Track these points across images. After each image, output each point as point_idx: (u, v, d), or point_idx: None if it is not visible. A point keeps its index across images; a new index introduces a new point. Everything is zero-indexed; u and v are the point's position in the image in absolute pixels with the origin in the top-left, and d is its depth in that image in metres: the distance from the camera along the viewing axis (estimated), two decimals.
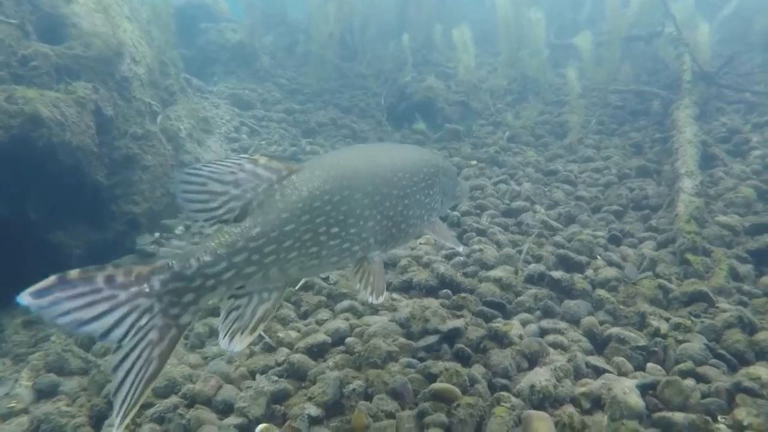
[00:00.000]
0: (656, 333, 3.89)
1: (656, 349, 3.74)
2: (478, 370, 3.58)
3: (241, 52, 10.93)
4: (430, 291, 4.77)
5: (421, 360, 3.71)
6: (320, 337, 3.93)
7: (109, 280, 2.15)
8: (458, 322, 4.12)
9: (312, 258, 2.76)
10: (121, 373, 2.16)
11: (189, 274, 2.35)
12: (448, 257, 5.25)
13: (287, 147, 8.51)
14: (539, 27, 10.40)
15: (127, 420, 2.14)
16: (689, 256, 4.83)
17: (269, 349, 3.98)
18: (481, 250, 5.19)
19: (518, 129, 8.81)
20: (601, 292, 4.53)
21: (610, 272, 4.78)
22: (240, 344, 2.52)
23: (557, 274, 4.72)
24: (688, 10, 10.41)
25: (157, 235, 5.89)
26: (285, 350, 3.88)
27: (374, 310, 4.46)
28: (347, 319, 4.33)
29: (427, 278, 4.79)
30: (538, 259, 5.10)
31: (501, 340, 3.91)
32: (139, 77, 6.41)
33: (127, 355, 2.18)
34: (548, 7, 12.14)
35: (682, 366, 3.53)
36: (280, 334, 4.05)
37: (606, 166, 7.24)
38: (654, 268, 4.91)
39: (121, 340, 2.17)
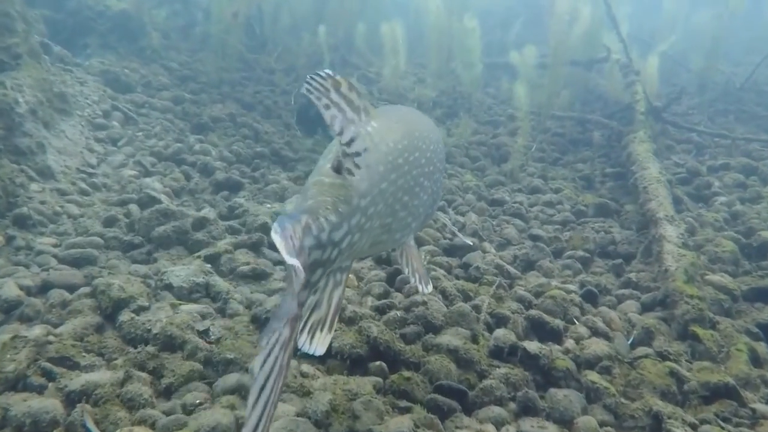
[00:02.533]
0: None
1: None
2: None
3: (125, 25, 8.96)
4: (357, 363, 3.32)
5: None
6: None
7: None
8: (404, 423, 2.72)
9: (383, 231, 2.39)
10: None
11: (324, 240, 1.88)
12: (380, 310, 3.81)
13: (170, 142, 6.73)
14: (474, 37, 9.33)
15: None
16: (697, 330, 3.69)
17: None
18: (424, 303, 3.80)
19: (451, 147, 7.58)
20: (592, 377, 3.29)
21: (599, 346, 3.55)
22: (322, 345, 2.15)
23: (532, 346, 3.41)
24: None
25: None
26: None
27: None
28: (232, 408, 2.80)
29: (354, 343, 3.33)
30: (502, 321, 3.78)
31: None
32: None
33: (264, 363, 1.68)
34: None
35: None
36: None
37: (558, 200, 6.13)
38: (651, 342, 3.74)
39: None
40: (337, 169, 2.12)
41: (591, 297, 4.29)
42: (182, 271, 4.00)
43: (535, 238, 5.23)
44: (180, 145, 6.63)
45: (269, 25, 10.53)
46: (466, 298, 4.10)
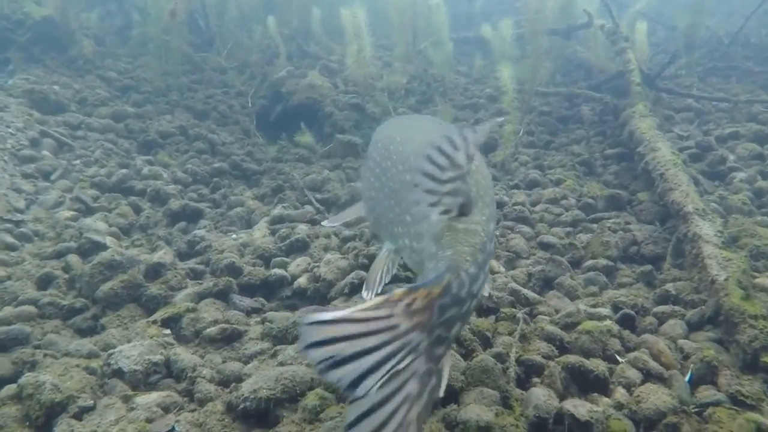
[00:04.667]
0: None
1: None
2: None
3: (50, 33, 7.93)
4: None
5: None
6: None
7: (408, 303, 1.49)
8: None
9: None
10: None
11: (463, 294, 1.72)
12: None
13: (113, 168, 5.83)
14: (440, 14, 8.53)
15: None
16: None
17: None
18: None
19: None
20: None
21: (658, 396, 2.88)
22: None
23: (582, 410, 2.72)
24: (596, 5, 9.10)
25: None
26: None
27: None
28: None
29: None
30: (534, 371, 3.09)
31: None
32: None
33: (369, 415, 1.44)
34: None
35: None
36: None
37: (562, 194, 5.44)
38: (715, 379, 3.09)
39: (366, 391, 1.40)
40: (464, 212, 1.92)
41: (628, 322, 3.62)
42: (134, 349, 3.20)
43: (546, 246, 4.53)
44: (125, 171, 5.75)
45: (215, 20, 9.55)
46: (484, 341, 3.39)
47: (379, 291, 2.61)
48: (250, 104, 7.71)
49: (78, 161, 5.90)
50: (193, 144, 6.63)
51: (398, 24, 9.07)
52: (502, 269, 4.29)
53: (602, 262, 4.28)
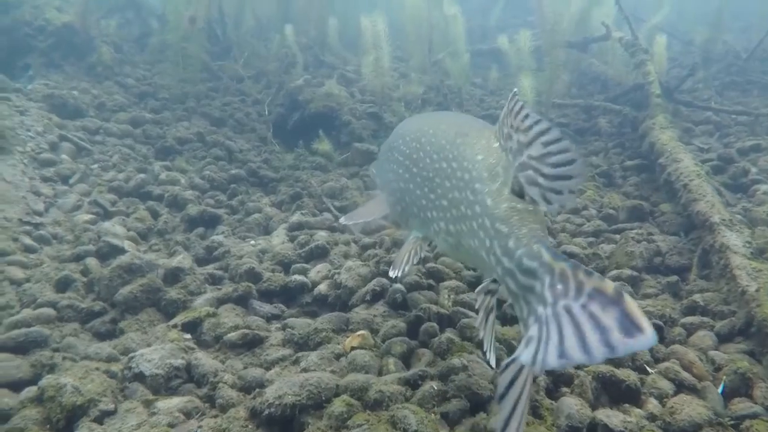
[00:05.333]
0: None
1: None
2: None
3: (70, 40, 7.98)
4: None
5: None
6: None
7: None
8: None
9: None
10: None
11: None
12: (411, 383, 3.03)
13: (131, 173, 5.83)
14: (457, 25, 8.53)
15: None
16: None
17: None
18: (464, 368, 3.04)
19: None
20: None
21: (693, 407, 2.80)
22: None
23: (615, 420, 2.66)
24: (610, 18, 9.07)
25: None
26: None
27: None
28: None
29: None
30: (564, 381, 3.02)
31: None
32: None
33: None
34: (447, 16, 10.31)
35: None
36: None
37: (582, 204, 5.38)
38: (750, 392, 3.01)
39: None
40: (521, 194, 2.03)
41: (657, 332, 3.54)
42: (155, 352, 3.16)
43: (569, 256, 4.46)
44: (143, 176, 5.73)
45: (232, 29, 9.60)
46: (511, 349, 3.33)
47: (406, 270, 2.80)
48: (266, 112, 7.71)
49: (96, 165, 5.90)
50: (211, 150, 6.62)
51: (414, 35, 9.08)
52: None
53: (627, 272, 4.21)
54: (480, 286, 2.55)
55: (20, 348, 3.39)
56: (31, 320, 3.62)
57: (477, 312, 2.60)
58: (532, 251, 1.88)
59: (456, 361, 3.09)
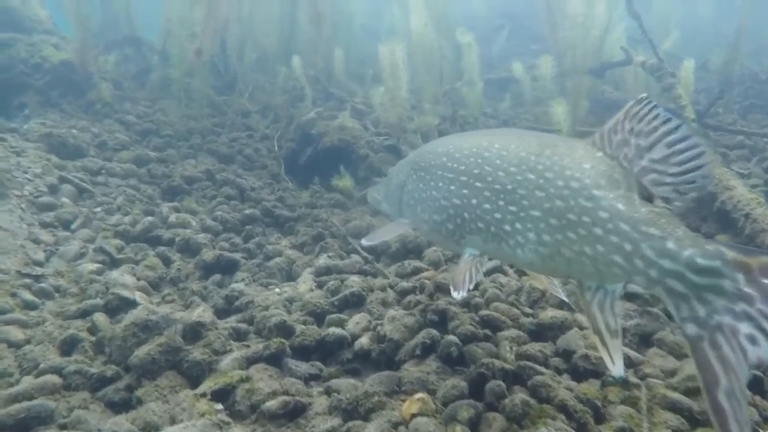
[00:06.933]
0: None
1: None
2: None
3: (68, 77, 7.59)
4: None
5: None
6: None
7: None
8: None
9: None
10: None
11: None
12: None
13: (138, 216, 5.37)
14: (471, 53, 8.24)
15: None
16: None
17: None
18: None
19: None
20: None
21: None
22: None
23: None
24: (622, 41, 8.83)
25: None
26: None
27: None
28: None
29: None
30: None
31: None
32: None
33: None
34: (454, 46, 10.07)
35: None
36: None
37: None
38: None
39: None
40: (650, 198, 2.16)
41: (756, 385, 3.10)
42: (185, 431, 2.67)
43: (632, 297, 4.03)
44: (151, 219, 5.27)
45: (235, 62, 9.26)
46: (596, 412, 2.87)
47: (471, 288, 2.70)
48: (276, 148, 7.31)
49: (99, 209, 5.45)
50: (221, 189, 6.18)
51: (424, 65, 8.78)
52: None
53: None
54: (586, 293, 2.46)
55: (21, 426, 2.89)
56: (33, 391, 3.12)
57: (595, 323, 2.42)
58: (707, 251, 1.97)
59: (543, 431, 2.62)
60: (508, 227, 2.59)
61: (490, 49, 13.02)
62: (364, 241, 3.55)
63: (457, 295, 2.65)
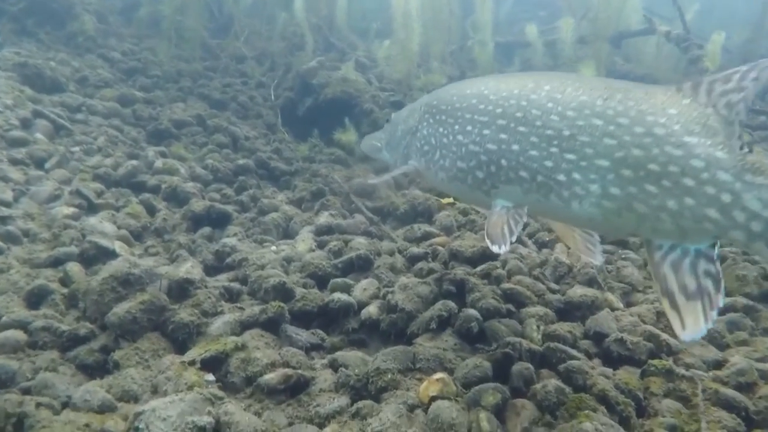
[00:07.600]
0: None
1: None
2: None
3: (46, 5, 6.96)
4: None
5: None
6: None
7: None
8: None
9: None
10: None
11: None
12: None
13: (120, 159, 4.88)
14: (486, 10, 7.75)
15: None
16: None
17: None
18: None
19: None
20: None
21: None
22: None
23: None
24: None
25: None
26: None
27: None
28: None
29: None
30: None
31: None
32: None
33: None
34: (461, 3, 9.54)
35: None
36: None
37: None
38: None
39: None
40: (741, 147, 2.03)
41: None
42: (172, 407, 2.26)
43: None
44: (135, 163, 4.79)
45: (231, 4, 8.63)
46: (638, 405, 2.53)
47: (513, 241, 2.46)
48: (273, 97, 6.81)
49: (78, 148, 4.94)
50: (213, 136, 5.70)
51: (433, 21, 8.27)
52: (621, 306, 3.43)
53: (742, 301, 3.45)
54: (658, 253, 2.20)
55: None
56: None
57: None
58: None
59: (587, 426, 2.27)
60: (562, 177, 2.34)
61: (496, 13, 12.49)
62: (373, 181, 3.41)
63: (498, 249, 2.41)
